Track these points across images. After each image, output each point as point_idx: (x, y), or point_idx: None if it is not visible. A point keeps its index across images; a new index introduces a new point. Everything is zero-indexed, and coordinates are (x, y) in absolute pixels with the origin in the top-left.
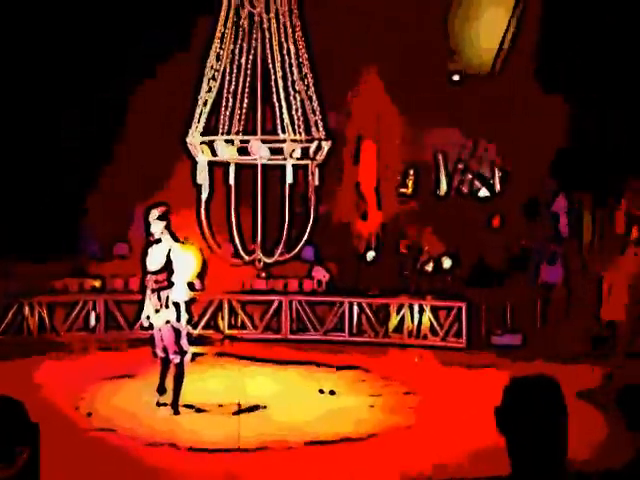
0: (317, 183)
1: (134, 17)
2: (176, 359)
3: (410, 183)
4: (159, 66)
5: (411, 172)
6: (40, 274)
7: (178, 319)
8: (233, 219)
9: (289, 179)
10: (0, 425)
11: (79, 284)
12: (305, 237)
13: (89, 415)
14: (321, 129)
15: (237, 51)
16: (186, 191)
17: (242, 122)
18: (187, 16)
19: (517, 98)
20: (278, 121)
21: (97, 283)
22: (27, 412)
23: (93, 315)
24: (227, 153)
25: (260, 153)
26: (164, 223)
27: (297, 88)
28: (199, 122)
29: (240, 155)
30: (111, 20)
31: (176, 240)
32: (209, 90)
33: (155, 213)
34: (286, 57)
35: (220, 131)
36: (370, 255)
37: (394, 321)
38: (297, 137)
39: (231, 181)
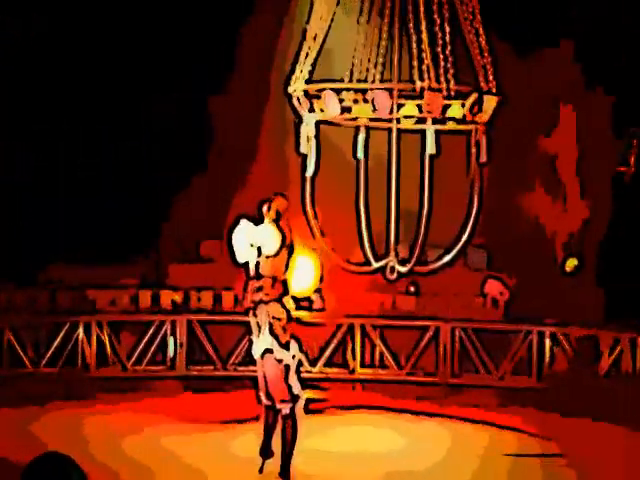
0: (485, 159)
1: None
2: (285, 409)
3: (632, 158)
4: None
5: (634, 142)
6: (100, 281)
7: (284, 347)
8: (362, 210)
9: (430, 148)
10: None
11: (153, 298)
12: (465, 237)
13: None
14: (491, 79)
15: None
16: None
17: (377, 72)
18: None
19: None
20: (415, 63)
21: (177, 297)
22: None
23: (171, 342)
24: (342, 110)
25: (387, 107)
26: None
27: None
28: (304, 64)
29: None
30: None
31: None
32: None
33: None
34: None
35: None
36: (570, 264)
37: (605, 361)
38: (441, 86)
39: (360, 153)
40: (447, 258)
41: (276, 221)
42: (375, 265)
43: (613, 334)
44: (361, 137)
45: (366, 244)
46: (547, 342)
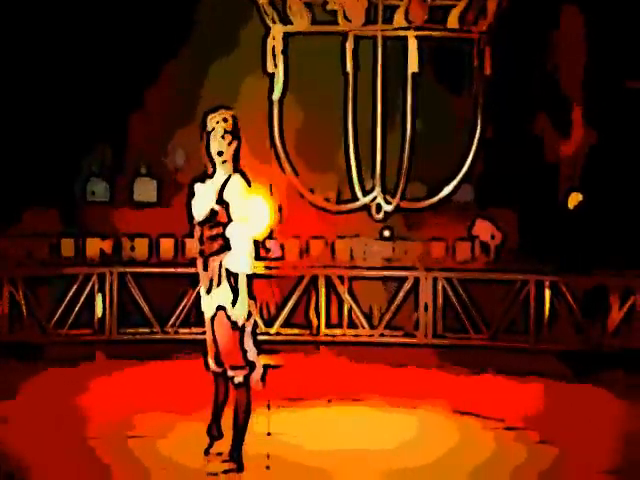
0: (489, 71)
1: None
2: (238, 377)
3: None
4: None
5: None
6: (17, 230)
7: (237, 305)
8: (351, 132)
9: (412, 66)
10: None
11: (76, 248)
12: (464, 169)
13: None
14: None
15: None
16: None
17: None
18: None
19: None
20: None
21: (106, 246)
22: None
23: (99, 300)
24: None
25: None
26: (235, 143)
27: None
28: None
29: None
30: None
31: (241, 173)
32: None
33: (221, 122)
34: None
35: None
36: (574, 199)
37: (616, 315)
38: None
39: (349, 67)
40: (446, 191)
41: (237, 150)
42: (363, 200)
43: (624, 282)
44: (349, 45)
45: (354, 175)
46: (547, 293)
